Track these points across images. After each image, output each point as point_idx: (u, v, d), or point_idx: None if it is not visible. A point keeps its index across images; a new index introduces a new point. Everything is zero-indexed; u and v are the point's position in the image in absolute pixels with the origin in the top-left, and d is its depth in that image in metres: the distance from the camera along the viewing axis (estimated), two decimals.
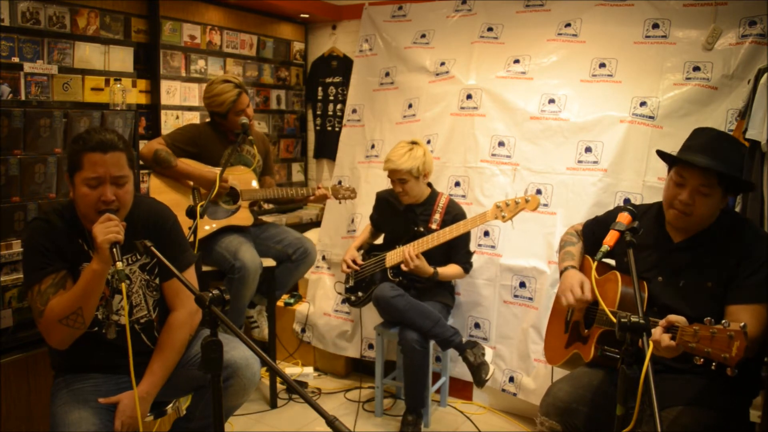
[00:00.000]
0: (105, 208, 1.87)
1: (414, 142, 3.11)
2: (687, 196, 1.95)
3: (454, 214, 3.13)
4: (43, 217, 1.97)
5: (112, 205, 1.88)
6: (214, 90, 3.09)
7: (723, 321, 1.59)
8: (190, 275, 2.15)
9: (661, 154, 2.10)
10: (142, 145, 3.12)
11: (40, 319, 1.87)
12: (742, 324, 1.56)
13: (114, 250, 1.77)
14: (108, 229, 1.79)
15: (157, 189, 3.04)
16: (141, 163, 3.25)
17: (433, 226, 3.11)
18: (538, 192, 3.26)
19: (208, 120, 3.27)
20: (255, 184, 3.23)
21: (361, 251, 3.35)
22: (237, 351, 2.06)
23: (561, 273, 2.28)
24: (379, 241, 3.43)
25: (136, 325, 2.07)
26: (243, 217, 3.18)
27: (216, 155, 3.13)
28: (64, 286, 1.90)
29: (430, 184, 3.23)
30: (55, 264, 1.91)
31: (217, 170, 2.97)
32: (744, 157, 2.02)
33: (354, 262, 3.27)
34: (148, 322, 2.09)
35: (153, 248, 1.80)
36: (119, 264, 1.74)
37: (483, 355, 3.02)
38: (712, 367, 1.61)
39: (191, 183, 3.06)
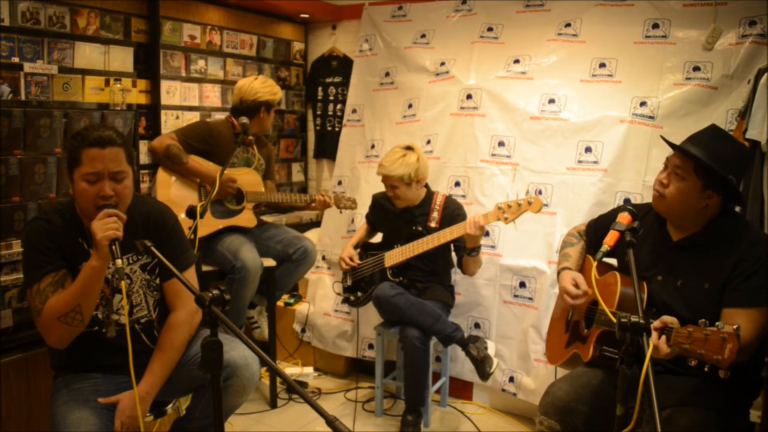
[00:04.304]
0: (104, 204, 1.86)
1: (409, 147, 3.10)
2: (664, 176, 2.01)
3: (452, 209, 3.14)
4: (43, 216, 1.97)
5: (110, 200, 1.88)
6: (269, 81, 3.24)
7: (717, 323, 1.59)
8: (191, 275, 2.15)
9: (666, 141, 2.13)
10: (143, 145, 3.13)
11: (38, 318, 1.87)
12: (735, 326, 1.56)
13: (113, 247, 1.76)
14: (107, 226, 1.78)
15: (164, 183, 3.04)
16: (147, 158, 3.26)
17: (433, 225, 3.12)
18: (539, 192, 3.26)
19: (219, 118, 3.28)
20: (261, 186, 3.23)
21: (358, 250, 3.35)
22: (236, 351, 2.06)
23: (558, 276, 2.30)
24: (376, 239, 3.44)
25: (137, 325, 2.07)
26: (246, 218, 3.19)
27: (225, 155, 3.12)
28: (63, 284, 1.90)
29: (426, 185, 3.22)
30: (55, 263, 1.90)
31: (226, 170, 2.97)
32: (743, 161, 2.02)
33: (351, 259, 3.28)
34: (148, 321, 2.09)
35: (153, 248, 1.80)
36: (118, 261, 1.73)
37: (486, 348, 3.02)
38: (705, 369, 1.61)
39: (198, 180, 3.07)
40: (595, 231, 2.36)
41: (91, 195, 1.88)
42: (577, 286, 2.16)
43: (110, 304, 2.01)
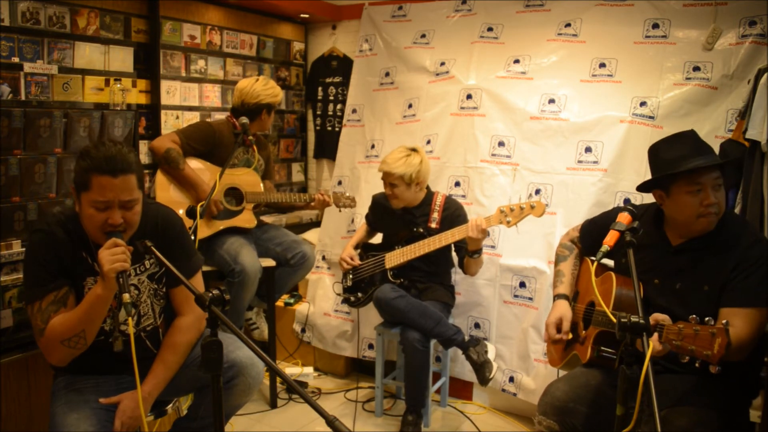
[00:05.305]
0: (112, 231, 1.82)
1: (414, 149, 3.10)
2: (712, 197, 1.94)
3: (452, 210, 3.14)
4: (45, 228, 1.90)
5: (119, 227, 1.84)
6: (270, 83, 3.23)
7: (707, 318, 1.60)
8: (197, 280, 2.13)
9: (664, 177, 2.01)
10: (143, 145, 3.13)
11: (40, 338, 1.84)
12: (724, 321, 1.57)
13: (120, 280, 1.73)
14: (114, 257, 1.74)
15: (163, 185, 3.05)
16: (147, 158, 3.27)
17: (433, 225, 3.12)
18: (537, 192, 3.26)
19: (220, 119, 3.27)
20: (260, 186, 3.23)
21: (358, 250, 3.35)
22: (241, 351, 2.05)
23: (553, 298, 2.32)
24: (376, 240, 3.44)
25: (142, 333, 2.06)
26: (246, 219, 3.18)
27: (226, 156, 3.12)
28: (66, 303, 1.86)
29: (427, 186, 3.22)
30: (57, 281, 1.87)
31: (226, 171, 2.96)
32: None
33: (352, 259, 3.28)
34: (153, 329, 2.09)
35: (153, 248, 1.79)
36: (126, 296, 1.69)
37: (486, 352, 3.02)
38: (696, 365, 1.62)
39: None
40: (590, 232, 2.36)
41: (98, 221, 1.83)
42: (560, 328, 2.20)
43: (117, 316, 1.99)
